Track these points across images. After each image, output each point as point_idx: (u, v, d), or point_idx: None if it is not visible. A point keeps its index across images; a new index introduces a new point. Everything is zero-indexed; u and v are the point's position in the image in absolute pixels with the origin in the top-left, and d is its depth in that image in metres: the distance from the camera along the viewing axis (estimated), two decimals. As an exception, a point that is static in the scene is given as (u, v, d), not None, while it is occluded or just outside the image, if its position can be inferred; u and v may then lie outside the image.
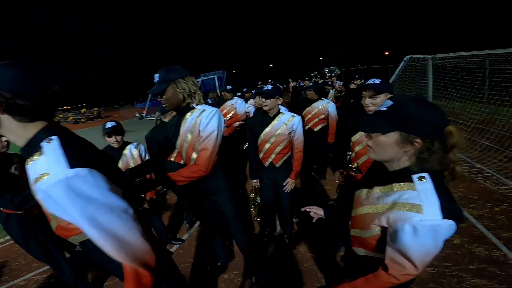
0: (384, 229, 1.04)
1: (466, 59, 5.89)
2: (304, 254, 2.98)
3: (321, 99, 4.26)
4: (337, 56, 37.37)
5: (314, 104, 4.26)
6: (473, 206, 3.56)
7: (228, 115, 5.01)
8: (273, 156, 2.73)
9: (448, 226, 0.89)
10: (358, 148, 2.19)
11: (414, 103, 0.96)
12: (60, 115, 26.67)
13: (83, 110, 30.56)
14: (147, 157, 2.86)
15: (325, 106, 4.20)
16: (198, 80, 14.43)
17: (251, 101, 5.88)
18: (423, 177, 0.96)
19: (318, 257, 2.89)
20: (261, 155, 2.80)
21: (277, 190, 2.95)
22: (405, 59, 6.65)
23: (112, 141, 2.61)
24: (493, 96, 5.86)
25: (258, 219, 3.59)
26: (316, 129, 4.43)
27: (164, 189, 2.82)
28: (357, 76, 7.28)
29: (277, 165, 2.77)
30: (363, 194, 1.17)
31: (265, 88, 2.54)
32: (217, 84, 13.33)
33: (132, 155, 2.76)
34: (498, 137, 5.73)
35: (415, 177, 0.98)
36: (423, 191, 0.93)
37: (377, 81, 1.92)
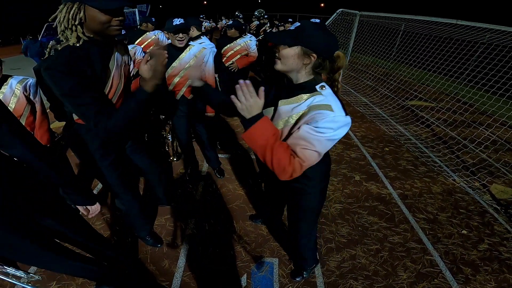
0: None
1: (387, 20, 6.12)
2: (234, 192, 2.86)
3: (242, 37, 3.97)
4: (274, 0, 35.00)
5: (235, 41, 3.94)
6: (370, 145, 3.95)
7: (151, 47, 4.44)
8: (184, 89, 2.43)
9: (349, 122, 1.08)
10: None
11: (314, 26, 1.09)
12: None
13: None
14: (37, 95, 2.08)
15: (247, 43, 3.98)
16: None
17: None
18: (324, 86, 1.13)
19: (248, 193, 2.84)
20: (170, 88, 2.44)
21: (194, 125, 2.70)
22: (337, 11, 6.53)
23: None
24: (399, 55, 6.48)
25: (175, 159, 3.37)
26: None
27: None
28: (290, 19, 7.24)
29: (189, 97, 2.49)
30: (270, 111, 1.27)
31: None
32: (137, 19, 11.20)
33: (12, 91, 1.98)
34: (395, 88, 6.36)
35: (317, 87, 1.13)
36: (327, 95, 1.11)
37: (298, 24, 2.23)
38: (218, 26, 9.48)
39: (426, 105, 5.73)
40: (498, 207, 2.77)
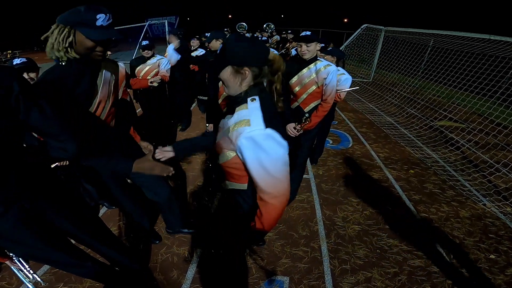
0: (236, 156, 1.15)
1: (414, 35, 6.12)
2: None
3: None
4: (298, 15, 35.88)
5: None
6: (393, 167, 3.90)
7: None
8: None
9: (270, 133, 1.03)
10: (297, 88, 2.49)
11: (236, 39, 1.09)
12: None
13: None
14: None
15: None
16: (145, 24, 12.95)
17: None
18: (254, 99, 1.12)
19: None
20: (220, 100, 2.56)
21: None
22: (362, 27, 6.66)
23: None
24: (427, 72, 6.44)
25: (211, 164, 3.56)
26: None
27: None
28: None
29: None
30: (221, 123, 1.29)
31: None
32: (167, 30, 11.94)
33: None
34: (423, 108, 6.26)
35: (248, 99, 1.13)
36: (252, 109, 1.09)
37: (308, 32, 2.34)
38: None
39: (456, 125, 5.61)
40: (533, 236, 2.66)
